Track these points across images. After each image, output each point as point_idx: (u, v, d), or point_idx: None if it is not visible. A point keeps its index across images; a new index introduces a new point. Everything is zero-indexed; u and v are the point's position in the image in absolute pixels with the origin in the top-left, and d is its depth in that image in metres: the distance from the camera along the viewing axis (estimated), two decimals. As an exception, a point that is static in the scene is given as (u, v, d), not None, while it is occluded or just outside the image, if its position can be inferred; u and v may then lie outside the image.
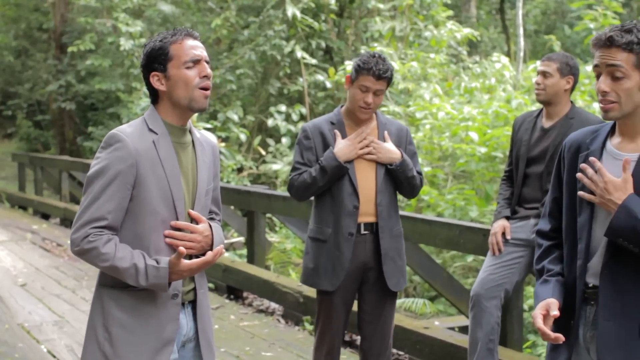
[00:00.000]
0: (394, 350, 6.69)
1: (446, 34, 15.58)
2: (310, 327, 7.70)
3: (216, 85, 16.19)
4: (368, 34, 17.40)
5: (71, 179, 16.61)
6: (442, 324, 7.29)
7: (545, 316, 3.15)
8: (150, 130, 3.31)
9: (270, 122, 16.43)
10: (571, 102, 5.44)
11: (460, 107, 12.64)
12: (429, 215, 8.99)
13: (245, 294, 9.20)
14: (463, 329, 7.29)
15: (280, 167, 15.53)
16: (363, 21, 17.91)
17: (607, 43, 3.02)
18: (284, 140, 16.35)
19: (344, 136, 4.89)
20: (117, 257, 3.18)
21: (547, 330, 3.12)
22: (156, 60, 3.32)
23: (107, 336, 3.28)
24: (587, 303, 3.20)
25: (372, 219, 4.91)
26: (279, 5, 16.65)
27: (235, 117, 16.04)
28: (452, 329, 7.21)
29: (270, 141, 16.94)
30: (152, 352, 3.29)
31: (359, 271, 4.95)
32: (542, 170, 5.31)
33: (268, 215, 10.14)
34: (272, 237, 12.64)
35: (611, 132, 3.22)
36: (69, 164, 16.39)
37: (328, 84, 16.72)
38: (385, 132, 4.90)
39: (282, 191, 13.13)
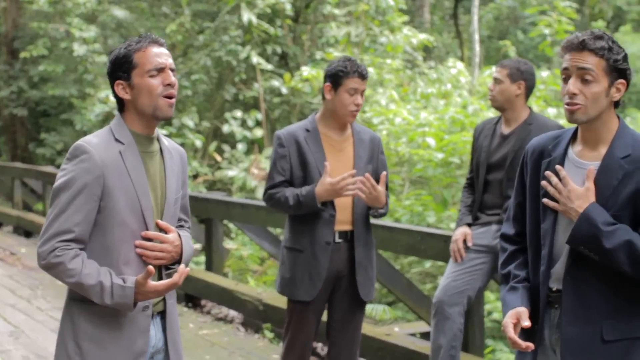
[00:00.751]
0: (356, 358, 6.66)
1: (402, 40, 15.62)
2: (270, 335, 7.65)
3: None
4: (324, 40, 17.40)
5: (24, 186, 16.37)
6: (401, 330, 7.30)
7: (515, 325, 3.20)
8: (117, 140, 3.26)
9: (225, 128, 16.36)
10: (530, 108, 5.45)
11: (417, 112, 12.67)
12: (390, 222, 8.98)
13: (203, 302, 9.13)
14: (424, 335, 7.29)
15: (236, 173, 15.47)
16: (319, 27, 17.91)
17: (580, 46, 3.08)
18: (240, 146, 16.29)
19: (318, 145, 4.85)
20: (83, 273, 3.12)
21: (518, 339, 3.16)
22: (120, 68, 3.27)
23: (78, 351, 3.22)
24: (551, 306, 3.25)
25: (348, 227, 4.89)
26: (234, 10, 16.58)
27: (191, 123, 15.95)
28: (413, 335, 7.21)
29: (226, 147, 16.87)
30: None
31: (333, 280, 4.92)
32: (502, 176, 5.32)
33: (225, 222, 10.08)
34: (228, 244, 12.56)
35: (572, 138, 3.26)
36: (22, 171, 16.17)
37: (284, 90, 16.68)
38: (382, 176, 4.80)
39: (240, 197, 13.09)
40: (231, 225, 12.77)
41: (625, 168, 3.08)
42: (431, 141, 11.36)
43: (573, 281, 3.14)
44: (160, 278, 3.37)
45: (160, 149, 3.42)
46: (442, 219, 10.64)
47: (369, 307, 9.17)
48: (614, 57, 3.08)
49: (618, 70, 3.10)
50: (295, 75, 15.07)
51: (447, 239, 6.03)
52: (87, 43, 17.23)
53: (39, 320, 8.35)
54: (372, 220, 5.11)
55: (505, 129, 5.41)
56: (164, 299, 3.42)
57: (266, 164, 15.70)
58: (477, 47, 15.44)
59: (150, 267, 3.11)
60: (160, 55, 3.27)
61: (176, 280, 3.20)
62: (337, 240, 4.86)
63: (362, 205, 4.88)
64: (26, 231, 14.67)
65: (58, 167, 18.43)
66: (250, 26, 16.35)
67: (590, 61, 3.07)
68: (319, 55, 16.24)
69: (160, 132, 3.45)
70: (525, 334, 3.28)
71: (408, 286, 7.41)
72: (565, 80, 3.16)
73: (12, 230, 15.44)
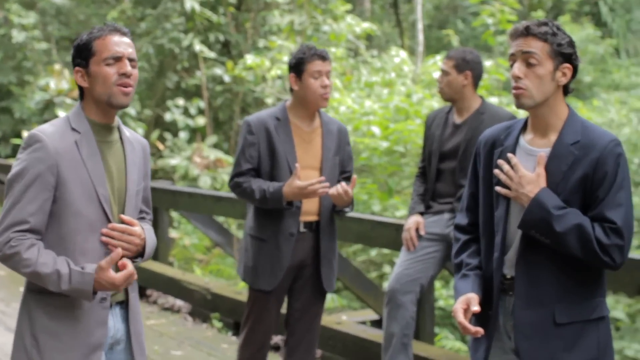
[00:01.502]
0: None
1: (345, 28, 15.62)
2: (219, 325, 7.61)
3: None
4: (266, 28, 17.33)
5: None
6: (349, 318, 7.30)
7: (466, 310, 3.25)
8: (73, 129, 3.21)
9: (167, 117, 16.25)
10: (481, 97, 5.47)
11: (361, 101, 12.69)
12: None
13: (149, 292, 9.04)
14: (374, 323, 7.31)
15: (178, 162, 15.38)
16: (262, 15, 17.83)
17: (525, 32, 3.17)
18: (182, 134, 16.20)
19: (288, 135, 4.82)
20: (39, 262, 3.07)
21: (468, 324, 3.21)
22: (80, 55, 3.23)
23: (35, 343, 3.17)
24: (505, 294, 3.30)
25: (314, 218, 4.88)
26: (177, -3, 16.48)
27: (133, 112, 15.80)
28: (363, 323, 7.22)
29: (168, 135, 16.75)
30: (81, 358, 3.20)
31: (295, 269, 4.91)
32: (455, 165, 5.34)
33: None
34: (172, 234, 12.47)
35: (524, 128, 3.33)
36: (-41, 160, 15.88)
37: (226, 78, 16.60)
38: (354, 179, 4.79)
39: (182, 186, 13.00)
40: (174, 214, 12.68)
41: (575, 154, 3.15)
42: (376, 130, 11.38)
43: (525, 266, 3.21)
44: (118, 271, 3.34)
45: (121, 139, 3.37)
46: (387, 207, 10.68)
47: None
48: (558, 41, 3.15)
49: (563, 55, 3.18)
50: (239, 64, 14.98)
51: (398, 228, 6.05)
52: (26, 30, 17.00)
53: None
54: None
55: (457, 119, 5.43)
56: (125, 289, 3.37)
57: (209, 152, 15.63)
58: (421, 36, 15.51)
59: (119, 250, 3.09)
60: (120, 44, 3.22)
61: (132, 271, 3.16)
62: (302, 230, 4.85)
63: (328, 197, 4.86)
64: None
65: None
66: (193, 14, 16.24)
67: (534, 45, 3.15)
68: (262, 43, 16.17)
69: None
70: (479, 320, 3.34)
71: (356, 274, 7.41)
72: (512, 66, 3.23)
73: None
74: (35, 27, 17.32)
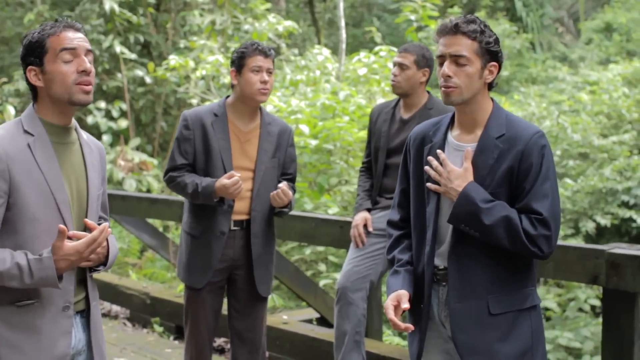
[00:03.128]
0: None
1: (267, 27, 15.58)
2: (160, 329, 7.52)
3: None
4: (187, 28, 17.17)
5: None
6: (291, 318, 7.27)
7: (397, 307, 3.33)
8: (26, 131, 3.09)
9: (90, 120, 15.96)
10: (428, 92, 5.48)
11: (287, 99, 12.67)
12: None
13: (83, 298, 8.87)
14: (318, 321, 7.30)
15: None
16: (182, 15, 17.65)
17: (453, 30, 3.24)
18: (105, 137, 15.94)
19: (224, 133, 4.77)
20: None
21: (398, 321, 3.30)
22: (33, 53, 3.10)
23: None
24: (439, 284, 3.39)
25: (244, 217, 4.83)
26: (95, -2, 16.22)
27: (53, 115, 15.49)
28: (309, 321, 7.19)
29: (91, 139, 16.49)
30: None
31: (228, 269, 4.88)
32: (402, 160, 5.34)
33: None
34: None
35: (451, 124, 3.42)
36: None
37: (148, 79, 16.40)
38: (283, 186, 4.75)
39: (117, 189, 12.80)
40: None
41: (500, 147, 3.24)
42: (304, 128, 11.36)
43: (457, 259, 3.29)
44: (84, 279, 3.24)
45: (80, 142, 3.26)
46: (318, 206, 10.67)
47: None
48: (486, 39, 3.23)
49: (490, 53, 3.26)
50: (162, 65, 14.81)
51: (343, 225, 6.05)
52: None
53: None
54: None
55: (405, 114, 5.42)
56: (85, 298, 3.27)
57: (132, 155, 15.43)
58: (344, 34, 15.54)
59: (62, 226, 2.93)
60: (74, 38, 3.11)
61: (96, 235, 2.98)
62: (233, 228, 4.82)
63: (262, 198, 4.84)
64: None
65: None
66: (112, 15, 16.00)
67: (463, 43, 3.22)
68: (182, 43, 16.02)
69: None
70: (413, 313, 3.45)
71: (295, 273, 7.39)
72: (441, 64, 3.30)
73: None
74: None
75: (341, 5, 15.57)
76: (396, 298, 3.33)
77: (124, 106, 16.25)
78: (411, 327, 3.32)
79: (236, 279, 4.90)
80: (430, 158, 3.34)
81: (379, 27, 26.80)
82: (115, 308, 8.36)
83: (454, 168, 3.26)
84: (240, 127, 4.84)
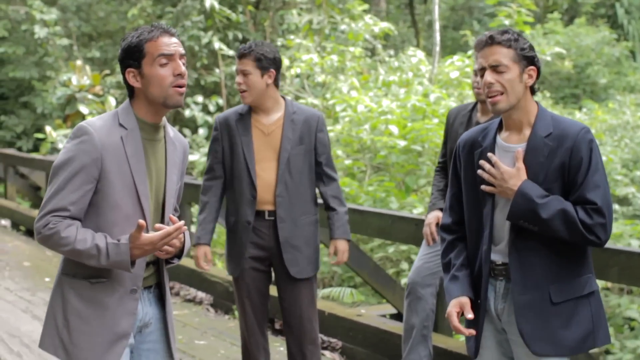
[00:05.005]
0: (327, 338, 6.83)
1: (363, 28, 15.78)
2: (240, 316, 7.79)
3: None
4: (285, 27, 17.50)
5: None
6: (368, 312, 7.44)
7: (459, 314, 3.55)
8: (121, 125, 3.33)
9: (187, 113, 16.43)
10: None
11: (379, 100, 12.84)
12: (362, 206, 9.17)
13: (171, 284, 9.21)
14: (393, 317, 7.46)
15: (197, 157, 15.55)
16: (280, 13, 18.00)
17: (489, 42, 3.43)
18: (201, 131, 16.37)
19: (247, 129, 5.02)
20: (77, 239, 3.19)
21: (462, 327, 3.52)
22: (131, 56, 3.34)
23: (65, 324, 3.32)
24: (495, 279, 3.57)
25: (270, 207, 5.04)
26: (197, -5, 16.65)
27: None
28: (383, 316, 7.37)
29: (187, 132, 16.93)
30: (106, 344, 3.33)
31: (264, 258, 5.10)
32: (476, 162, 5.47)
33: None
34: (192, 228, 12.61)
35: (499, 128, 3.59)
36: (-19, 154, 16.06)
37: (245, 76, 16.74)
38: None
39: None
40: (193, 210, 12.84)
41: (550, 145, 3.42)
42: (394, 129, 11.53)
43: (518, 254, 3.46)
44: (156, 261, 3.51)
45: (165, 139, 3.50)
46: (404, 206, 10.81)
47: (335, 291, 9.33)
48: (521, 46, 3.43)
49: (526, 58, 3.45)
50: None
51: (417, 223, 6.21)
52: (47, 26, 17.19)
53: (9, 301, 8.40)
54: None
55: (481, 117, 5.54)
56: (158, 272, 3.53)
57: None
58: (438, 37, 15.62)
59: (141, 221, 3.17)
60: (171, 45, 3.33)
61: (171, 231, 3.21)
62: (267, 218, 5.03)
63: (286, 184, 5.03)
64: (-12, 213, 14.62)
65: (19, 149, 18.37)
66: (212, 12, 16.42)
67: (499, 52, 3.41)
68: (280, 42, 16.34)
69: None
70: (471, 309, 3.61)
71: (375, 269, 7.56)
72: (482, 77, 3.49)
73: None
74: (57, 23, 17.52)
75: (436, 8, 15.66)
76: (458, 305, 3.55)
77: (221, 101, 16.66)
78: (473, 332, 3.55)
79: (275, 264, 5.14)
80: (482, 162, 3.50)
81: (479, 30, 26.69)
82: (200, 294, 8.66)
83: (507, 168, 3.43)
84: (264, 121, 5.06)
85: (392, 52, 18.61)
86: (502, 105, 3.43)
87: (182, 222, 3.28)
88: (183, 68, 3.34)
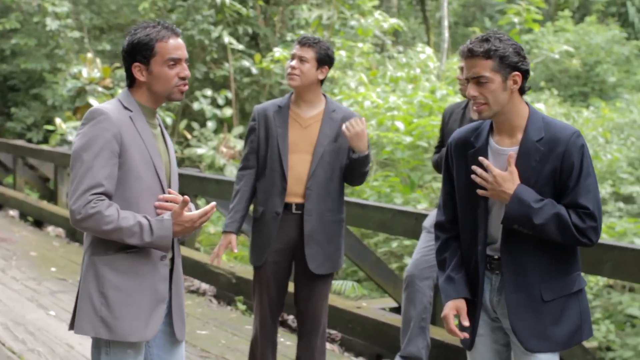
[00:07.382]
0: (326, 329, 6.89)
1: (373, 23, 15.84)
2: (242, 307, 7.87)
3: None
4: (294, 22, 17.57)
5: (-5, 159, 16.39)
6: (369, 305, 7.51)
7: (454, 316, 3.63)
8: (126, 107, 3.51)
9: (195, 106, 16.51)
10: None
11: (386, 96, 12.90)
12: (362, 200, 9.23)
13: (175, 275, 9.27)
14: (393, 310, 7.53)
15: (205, 151, 15.63)
16: (290, 8, 18.07)
17: (469, 54, 3.45)
18: (209, 124, 16.45)
19: (284, 120, 5.07)
20: (121, 217, 3.33)
21: (458, 330, 3.60)
22: (140, 53, 3.50)
23: (104, 301, 3.42)
24: (492, 272, 3.63)
25: (299, 200, 5.08)
26: (207, -10, 16.73)
27: (162, 101, 16.01)
28: (383, 309, 7.44)
29: (196, 125, 17.02)
30: (148, 311, 3.47)
31: (288, 250, 5.13)
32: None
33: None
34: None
35: (491, 129, 3.62)
36: (-7, 145, 16.18)
37: (254, 70, 16.84)
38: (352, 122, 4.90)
39: (213, 174, 13.26)
40: (199, 202, 12.93)
41: (541, 150, 3.46)
42: (400, 125, 11.59)
43: (510, 255, 3.54)
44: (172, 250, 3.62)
45: (159, 124, 3.69)
46: (408, 201, 10.89)
47: (337, 283, 9.41)
48: (501, 54, 3.41)
49: (509, 65, 3.44)
50: (267, 56, 15.21)
51: (417, 217, 6.28)
52: (59, 18, 17.30)
53: (15, 290, 8.49)
54: (345, 198, 5.30)
55: (474, 114, 5.59)
56: (172, 253, 3.64)
57: (235, 143, 15.88)
58: (446, 33, 15.69)
59: (186, 197, 3.36)
60: (179, 47, 3.54)
61: (208, 210, 3.42)
62: (295, 211, 5.07)
63: (319, 183, 5.07)
64: (-4, 204, 14.74)
65: (29, 141, 18.47)
66: (223, 6, 16.50)
67: (479, 65, 3.42)
68: (289, 36, 16.43)
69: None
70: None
71: (377, 263, 7.63)
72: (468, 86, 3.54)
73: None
74: (68, 15, 17.62)
75: (445, 4, 15.72)
76: (454, 308, 3.61)
77: (230, 95, 16.74)
78: (468, 335, 3.63)
79: (296, 258, 5.19)
80: (474, 167, 3.53)
81: (490, 27, 26.68)
82: (204, 286, 8.75)
83: (500, 172, 3.46)
84: (302, 114, 5.11)
85: (402, 48, 18.67)
86: (486, 114, 3.48)
87: (214, 203, 3.49)
88: (188, 72, 3.57)
